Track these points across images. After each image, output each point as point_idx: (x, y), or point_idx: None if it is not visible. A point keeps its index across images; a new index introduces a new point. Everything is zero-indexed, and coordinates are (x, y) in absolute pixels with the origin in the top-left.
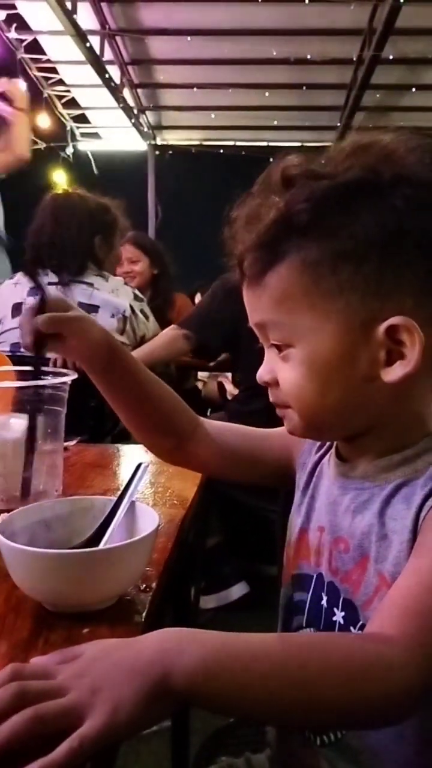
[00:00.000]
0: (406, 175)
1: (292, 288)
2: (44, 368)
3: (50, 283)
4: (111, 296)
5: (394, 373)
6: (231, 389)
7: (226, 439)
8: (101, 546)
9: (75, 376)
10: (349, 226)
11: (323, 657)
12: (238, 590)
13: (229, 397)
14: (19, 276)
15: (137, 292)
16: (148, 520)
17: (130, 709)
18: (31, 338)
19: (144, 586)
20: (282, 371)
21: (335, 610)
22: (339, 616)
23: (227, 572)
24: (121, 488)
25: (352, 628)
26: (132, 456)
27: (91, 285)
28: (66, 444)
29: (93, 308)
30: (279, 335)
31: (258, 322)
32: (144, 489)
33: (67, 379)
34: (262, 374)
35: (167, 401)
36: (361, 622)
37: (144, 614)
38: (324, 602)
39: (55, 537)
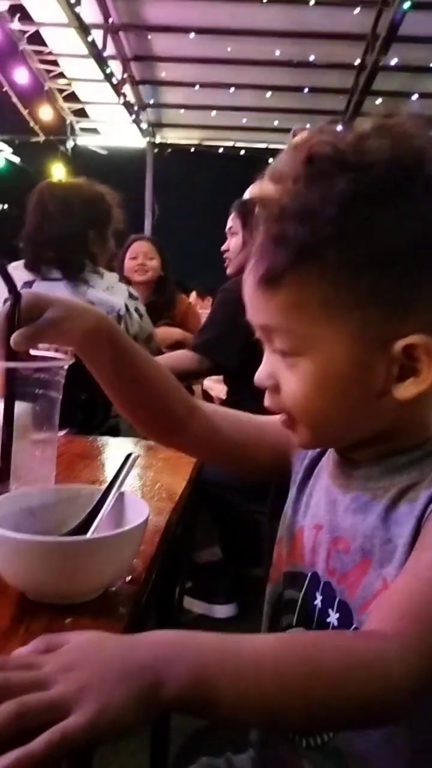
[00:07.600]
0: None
1: (309, 295)
2: (38, 352)
3: (54, 279)
4: (106, 294)
5: (407, 390)
6: (218, 393)
7: (222, 426)
8: (89, 535)
9: (72, 360)
10: (373, 233)
11: (324, 661)
12: (225, 610)
13: (217, 402)
14: (11, 267)
15: (131, 290)
16: (138, 511)
17: (118, 711)
18: (4, 351)
19: (130, 578)
20: (288, 381)
21: (330, 611)
22: (333, 617)
23: (220, 590)
24: (109, 480)
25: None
26: (121, 448)
27: (86, 282)
28: None
29: None
30: (287, 343)
31: (263, 324)
32: (132, 482)
33: (64, 364)
34: (262, 378)
35: (163, 383)
36: (354, 626)
37: (129, 607)
38: (318, 602)
39: (39, 526)
